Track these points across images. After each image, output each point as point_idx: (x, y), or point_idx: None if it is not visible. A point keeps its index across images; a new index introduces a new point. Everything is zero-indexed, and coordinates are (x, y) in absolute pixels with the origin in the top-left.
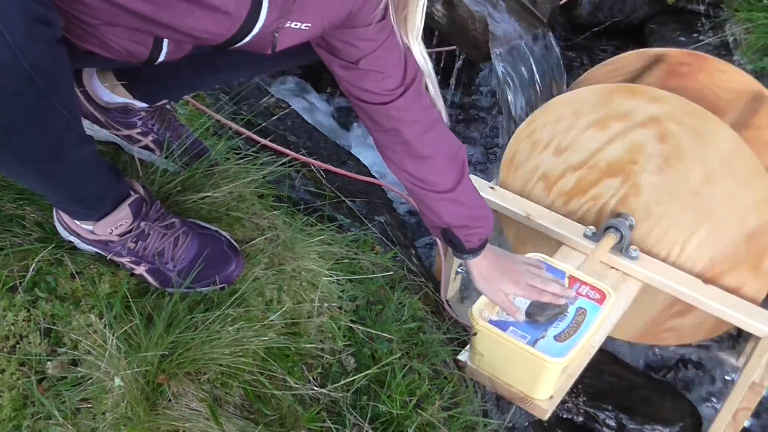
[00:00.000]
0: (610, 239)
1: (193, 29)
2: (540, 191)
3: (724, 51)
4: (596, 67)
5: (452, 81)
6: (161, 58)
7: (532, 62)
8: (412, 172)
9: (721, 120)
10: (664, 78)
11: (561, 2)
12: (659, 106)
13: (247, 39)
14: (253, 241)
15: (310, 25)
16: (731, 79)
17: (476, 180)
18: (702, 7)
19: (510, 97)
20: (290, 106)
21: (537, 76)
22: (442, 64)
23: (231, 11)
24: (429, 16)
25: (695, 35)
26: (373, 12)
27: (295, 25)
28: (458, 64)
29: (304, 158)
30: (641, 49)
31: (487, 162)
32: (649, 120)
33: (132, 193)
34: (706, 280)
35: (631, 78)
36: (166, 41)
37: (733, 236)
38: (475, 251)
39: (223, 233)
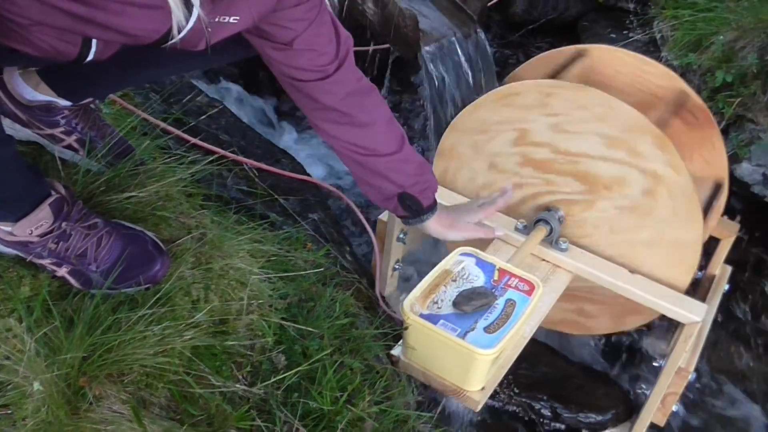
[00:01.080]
0: (541, 232)
1: (128, 27)
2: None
3: (652, 47)
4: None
5: (386, 78)
6: (90, 56)
7: (462, 59)
8: (359, 142)
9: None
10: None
11: (490, 3)
12: (664, 167)
13: (182, 34)
14: (180, 241)
15: (238, 18)
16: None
17: None
18: (631, 5)
19: (439, 93)
20: (224, 104)
21: (467, 73)
22: (376, 62)
23: (163, 6)
24: (362, 14)
25: (625, 32)
26: None
27: (224, 19)
28: (391, 61)
29: (234, 156)
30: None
31: None
32: (651, 173)
33: (53, 192)
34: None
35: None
36: (95, 40)
37: None
38: (432, 207)
39: (148, 233)
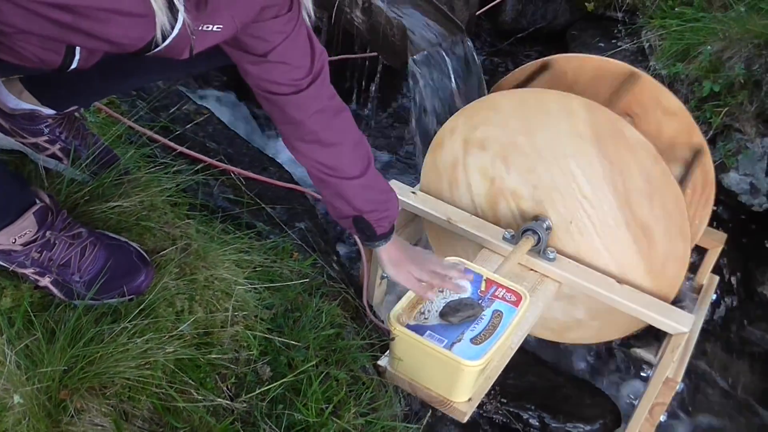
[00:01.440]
0: (528, 242)
1: (113, 35)
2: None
3: (640, 57)
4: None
5: (374, 86)
6: (74, 65)
7: (450, 68)
8: (323, 161)
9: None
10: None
11: (479, 11)
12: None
13: (167, 42)
14: (164, 251)
15: (222, 26)
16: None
17: (397, 184)
18: (619, 14)
19: (427, 103)
20: (211, 112)
21: (454, 82)
22: (364, 71)
23: (149, 14)
24: (350, 23)
25: (614, 41)
26: (282, 4)
27: (208, 27)
28: (379, 70)
29: (221, 164)
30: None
31: (408, 167)
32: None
33: (37, 201)
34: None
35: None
36: (78, 48)
37: (594, 158)
38: (386, 236)
39: (132, 243)
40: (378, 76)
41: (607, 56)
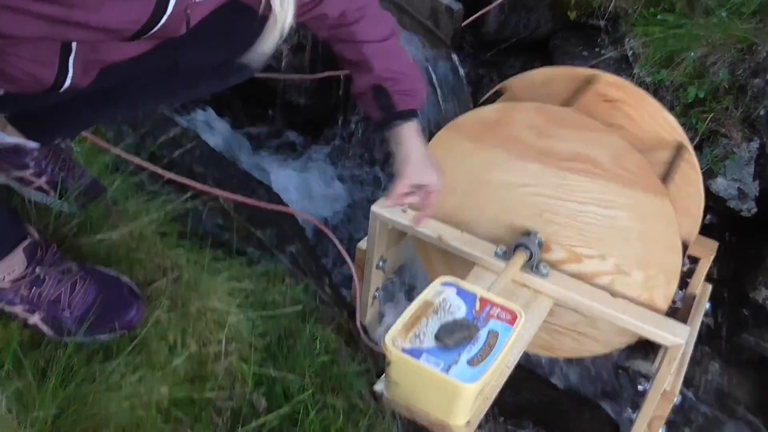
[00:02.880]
0: (521, 258)
1: (109, 22)
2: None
3: (624, 64)
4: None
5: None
6: (67, 82)
7: (436, 83)
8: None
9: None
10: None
11: (462, 24)
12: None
13: (162, 21)
14: (155, 283)
15: None
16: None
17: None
18: (602, 23)
19: None
20: (198, 135)
21: (440, 97)
22: (350, 88)
23: None
24: None
25: (597, 49)
26: None
27: None
28: None
29: (210, 190)
30: (570, 69)
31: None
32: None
33: (27, 236)
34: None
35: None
36: (71, 62)
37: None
38: (405, 115)
39: (123, 277)
40: None
41: (590, 65)
